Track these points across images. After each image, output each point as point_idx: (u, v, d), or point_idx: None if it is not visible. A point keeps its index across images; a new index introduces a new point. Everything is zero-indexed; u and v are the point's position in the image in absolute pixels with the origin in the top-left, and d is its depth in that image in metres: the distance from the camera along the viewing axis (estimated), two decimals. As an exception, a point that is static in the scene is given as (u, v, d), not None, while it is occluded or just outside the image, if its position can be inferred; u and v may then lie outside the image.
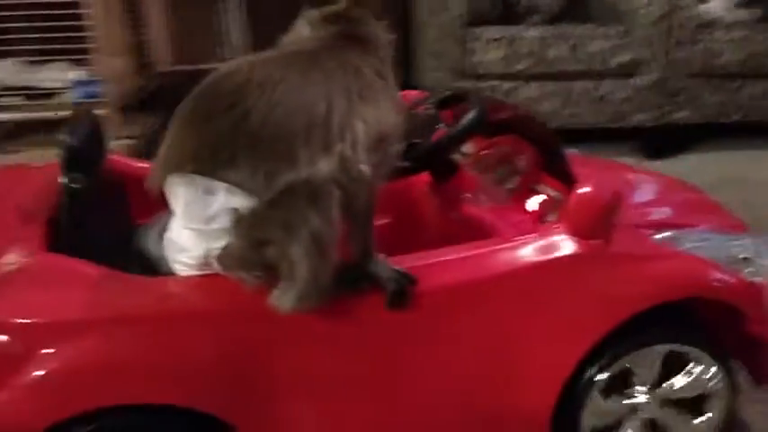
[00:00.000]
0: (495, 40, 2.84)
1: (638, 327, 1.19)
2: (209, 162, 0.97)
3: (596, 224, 1.11)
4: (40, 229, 1.09)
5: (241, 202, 0.97)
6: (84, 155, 1.12)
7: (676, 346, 1.24)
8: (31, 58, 2.75)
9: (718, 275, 1.21)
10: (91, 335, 0.96)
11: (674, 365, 1.26)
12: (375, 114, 1.05)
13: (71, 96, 2.78)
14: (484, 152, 1.46)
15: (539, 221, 1.29)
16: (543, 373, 1.16)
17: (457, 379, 1.15)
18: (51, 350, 0.94)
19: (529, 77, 2.87)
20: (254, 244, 0.97)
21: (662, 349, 1.23)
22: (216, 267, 1.01)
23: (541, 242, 1.14)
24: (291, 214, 0.96)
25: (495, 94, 2.85)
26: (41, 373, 0.94)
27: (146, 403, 0.99)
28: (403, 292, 1.05)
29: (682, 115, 2.94)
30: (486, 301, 1.13)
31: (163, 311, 1.01)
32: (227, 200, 0.97)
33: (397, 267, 1.08)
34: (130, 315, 0.99)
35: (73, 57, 2.79)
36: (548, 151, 1.34)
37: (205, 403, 1.01)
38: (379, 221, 1.46)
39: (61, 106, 2.75)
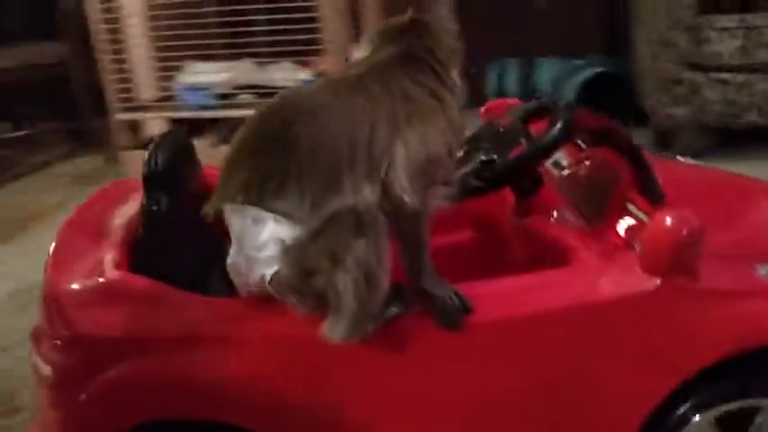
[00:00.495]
0: (731, 28, 2.62)
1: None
2: (257, 192, 1.00)
3: (673, 261, 1.01)
4: (121, 249, 1.12)
5: (288, 231, 0.99)
6: (167, 176, 1.13)
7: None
8: (264, 60, 2.93)
9: None
10: (146, 352, 1.01)
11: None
12: (422, 138, 1.03)
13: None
14: (574, 168, 1.35)
15: (626, 247, 1.14)
16: (617, 408, 1.08)
17: (523, 410, 1.09)
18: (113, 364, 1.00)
19: (769, 69, 2.62)
20: (301, 274, 0.98)
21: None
22: (272, 292, 1.02)
23: (614, 277, 1.06)
24: (336, 244, 0.96)
25: (727, 87, 2.64)
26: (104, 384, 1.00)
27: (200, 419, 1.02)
28: (454, 312, 1.02)
29: None
30: (550, 335, 1.05)
31: (214, 333, 1.03)
32: (275, 229, 0.99)
33: (453, 289, 1.04)
34: (180, 335, 1.02)
35: (300, 58, 2.95)
36: (636, 167, 1.22)
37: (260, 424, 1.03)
38: (459, 238, 1.47)
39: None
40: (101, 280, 1.05)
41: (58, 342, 1.03)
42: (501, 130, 1.34)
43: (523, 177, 1.28)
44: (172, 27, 2.88)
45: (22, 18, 3.71)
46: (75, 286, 1.06)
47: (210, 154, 2.82)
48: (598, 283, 1.07)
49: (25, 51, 3.47)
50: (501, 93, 3.67)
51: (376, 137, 1.02)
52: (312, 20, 2.68)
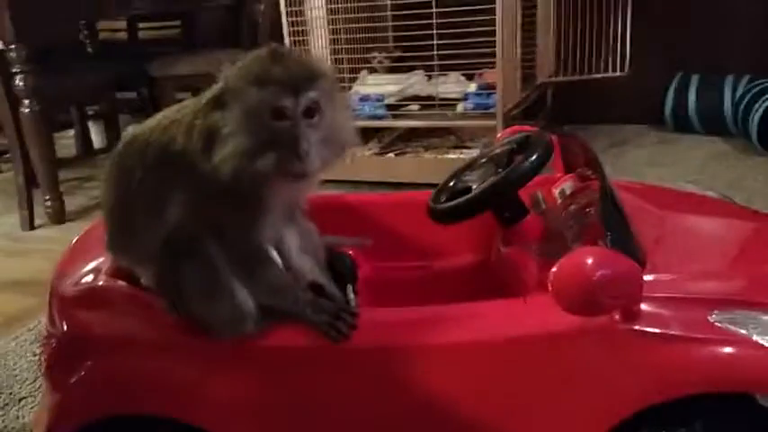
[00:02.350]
0: None
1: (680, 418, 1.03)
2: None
3: (583, 300, 0.93)
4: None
5: None
6: None
7: None
8: (434, 73, 3.03)
9: None
10: (120, 352, 1.10)
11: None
12: None
13: (462, 107, 3.00)
14: (570, 199, 1.28)
15: None
16: None
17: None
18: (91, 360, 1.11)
19: None
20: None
21: None
22: None
23: (539, 314, 1.01)
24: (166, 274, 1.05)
25: None
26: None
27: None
28: (335, 336, 1.04)
29: None
30: (472, 366, 1.04)
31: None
32: None
33: (335, 310, 1.05)
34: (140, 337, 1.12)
35: (468, 71, 3.01)
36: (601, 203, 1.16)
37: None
38: (454, 263, 1.48)
39: (457, 116, 3.00)
40: (90, 284, 1.19)
41: (53, 336, 1.19)
42: (485, 159, 1.37)
43: (503, 206, 1.28)
44: (352, 41, 3.07)
45: (211, 27, 4.11)
46: (68, 288, 1.20)
47: (375, 161, 3.02)
48: (522, 317, 1.06)
49: (220, 58, 3.82)
50: (680, 110, 3.49)
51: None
52: (487, 34, 2.73)
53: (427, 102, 3.03)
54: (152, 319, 1.12)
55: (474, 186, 1.31)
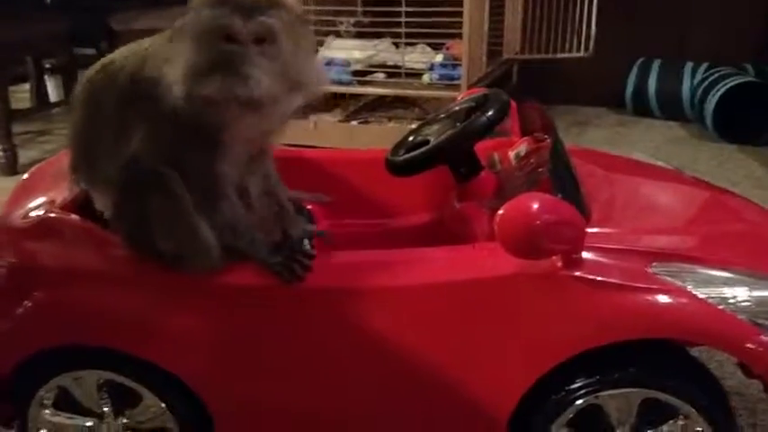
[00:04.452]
0: None
1: (616, 363, 1.08)
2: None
3: (527, 241, 0.98)
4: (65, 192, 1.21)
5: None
6: None
7: (655, 395, 1.08)
8: (401, 40, 3.02)
9: (711, 318, 1.03)
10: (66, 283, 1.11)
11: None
12: None
13: (428, 78, 3.00)
14: (524, 160, 1.33)
15: None
16: (485, 391, 1.09)
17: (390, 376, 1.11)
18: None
19: None
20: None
21: (635, 395, 1.08)
22: None
23: (485, 258, 1.06)
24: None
25: None
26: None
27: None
28: (288, 278, 1.05)
29: None
30: (421, 308, 1.07)
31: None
32: None
33: (288, 253, 1.07)
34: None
35: (435, 40, 3.00)
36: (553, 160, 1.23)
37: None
38: (412, 220, 1.51)
39: (421, 86, 3.00)
40: (40, 216, 1.17)
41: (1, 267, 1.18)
42: (444, 115, 1.41)
43: (459, 162, 1.31)
44: (320, 2, 3.03)
45: None
46: (17, 220, 1.19)
47: (338, 128, 3.00)
48: (468, 261, 1.10)
49: (178, 13, 3.70)
50: (640, 94, 3.55)
51: None
52: (456, 4, 2.73)
53: (393, 70, 3.03)
54: (103, 251, 1.11)
55: (431, 140, 1.33)
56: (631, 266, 1.06)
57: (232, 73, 0.94)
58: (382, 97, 3.19)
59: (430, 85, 2.97)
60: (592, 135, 3.33)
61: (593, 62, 3.33)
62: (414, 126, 2.93)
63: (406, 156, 1.32)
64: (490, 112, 1.26)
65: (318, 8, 3.02)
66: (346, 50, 3.04)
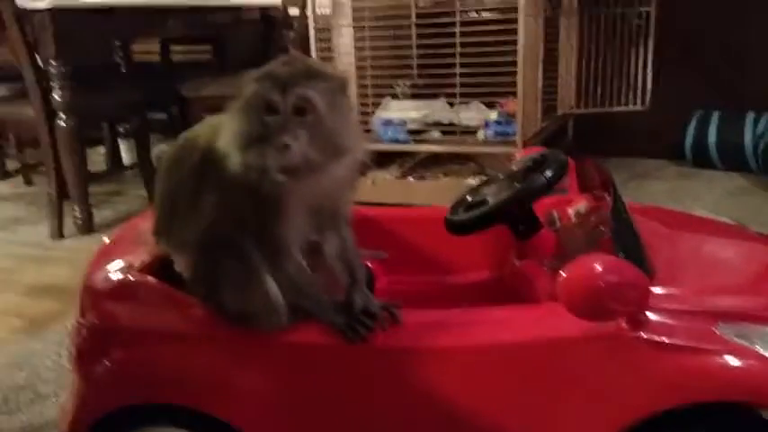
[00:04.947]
0: None
1: (684, 427, 1.04)
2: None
3: (591, 306, 0.97)
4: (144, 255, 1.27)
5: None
6: None
7: None
8: (456, 100, 3.09)
9: None
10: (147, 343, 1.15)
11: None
12: None
13: (483, 134, 3.05)
14: (585, 217, 1.34)
15: None
16: None
17: None
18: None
19: None
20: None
21: None
22: None
23: (549, 320, 1.04)
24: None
25: None
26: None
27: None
28: (350, 332, 1.08)
29: None
30: (481, 370, 1.07)
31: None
32: None
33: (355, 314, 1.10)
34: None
35: (489, 99, 3.07)
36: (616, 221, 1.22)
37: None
38: (471, 277, 1.52)
39: (477, 142, 3.05)
40: (120, 278, 1.23)
41: (82, 326, 1.23)
42: (502, 176, 1.43)
43: (518, 220, 1.33)
44: (377, 68, 3.15)
45: (241, 52, 4.22)
46: (99, 282, 1.25)
47: (396, 185, 3.07)
48: (533, 322, 1.09)
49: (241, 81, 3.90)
50: (700, 146, 3.51)
51: None
52: (509, 64, 2.79)
53: (449, 128, 3.09)
54: (180, 312, 1.17)
55: (489, 200, 1.37)
56: (698, 327, 1.05)
57: (271, 143, 1.01)
58: (438, 154, 3.26)
59: (485, 142, 3.02)
60: (652, 188, 3.30)
61: (650, 115, 3.33)
62: (470, 181, 3.02)
63: (465, 215, 1.35)
64: (548, 173, 1.28)
65: (376, 73, 3.15)
66: (403, 111, 3.13)
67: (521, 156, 1.55)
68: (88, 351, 1.22)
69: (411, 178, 3.17)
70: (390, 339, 1.11)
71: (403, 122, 3.08)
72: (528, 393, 1.08)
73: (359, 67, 3.19)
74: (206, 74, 3.69)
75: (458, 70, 2.91)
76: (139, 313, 1.20)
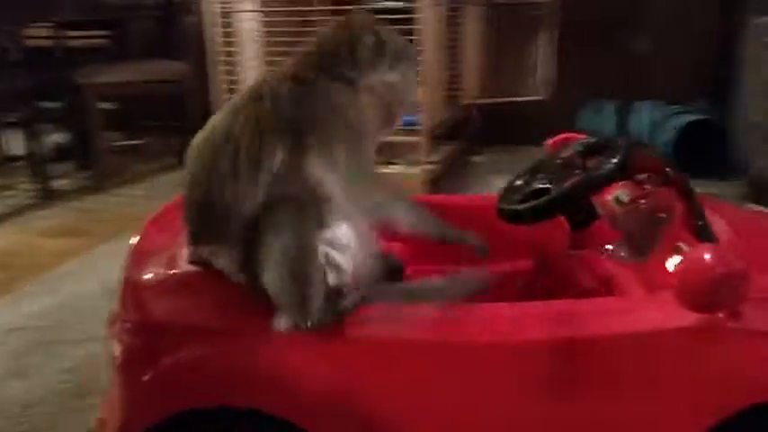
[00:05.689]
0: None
1: None
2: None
3: (709, 297, 0.99)
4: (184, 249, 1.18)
5: None
6: None
7: None
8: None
9: None
10: (206, 341, 1.06)
11: None
12: None
13: (391, 123, 3.05)
14: (633, 204, 1.34)
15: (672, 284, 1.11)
16: None
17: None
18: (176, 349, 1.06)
19: None
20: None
21: None
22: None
23: (655, 310, 1.05)
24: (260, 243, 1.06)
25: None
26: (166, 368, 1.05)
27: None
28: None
29: None
30: (584, 361, 1.06)
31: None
32: None
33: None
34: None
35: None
36: (690, 210, 1.21)
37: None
38: (516, 266, 1.48)
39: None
40: (172, 271, 1.16)
41: (129, 325, 1.13)
42: (558, 161, 1.36)
43: (578, 209, 1.28)
44: (283, 54, 3.09)
45: (141, 37, 4.07)
46: (148, 276, 1.17)
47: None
48: (638, 314, 1.09)
49: (149, 68, 3.77)
50: (594, 135, 3.65)
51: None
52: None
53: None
54: (240, 307, 1.08)
55: (551, 187, 1.29)
56: None
57: None
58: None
59: (395, 131, 3.02)
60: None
61: (551, 103, 3.43)
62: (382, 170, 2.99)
63: (529, 204, 1.26)
64: (616, 158, 1.21)
65: (282, 59, 3.08)
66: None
67: (555, 143, 1.51)
68: (137, 353, 1.11)
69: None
70: (487, 333, 1.06)
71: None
72: (625, 386, 1.07)
73: (265, 53, 3.13)
74: (104, 60, 3.53)
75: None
76: (196, 308, 1.10)
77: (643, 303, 1.12)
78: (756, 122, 2.67)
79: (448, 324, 1.06)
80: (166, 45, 3.84)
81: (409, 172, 2.95)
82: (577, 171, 1.29)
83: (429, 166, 3.03)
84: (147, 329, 1.12)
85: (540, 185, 1.29)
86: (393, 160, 3.18)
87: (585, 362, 1.06)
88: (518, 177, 1.38)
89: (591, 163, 1.28)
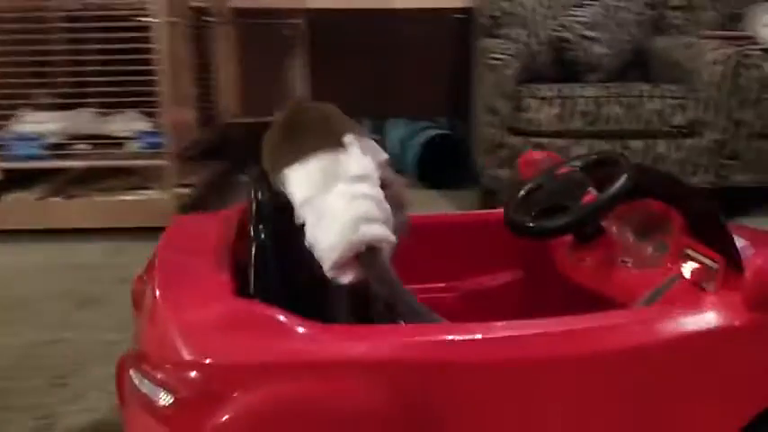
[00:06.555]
0: (549, 97, 2.82)
1: None
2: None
3: None
4: (227, 275, 1.10)
5: None
6: (271, 206, 1.18)
7: None
8: (104, 110, 2.92)
9: None
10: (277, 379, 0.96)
11: None
12: None
13: (135, 146, 2.91)
14: (627, 213, 1.40)
15: (696, 290, 1.21)
16: None
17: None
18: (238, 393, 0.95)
19: (582, 136, 2.83)
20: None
21: None
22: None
23: (713, 313, 1.12)
24: None
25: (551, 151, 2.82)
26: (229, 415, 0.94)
27: None
28: None
29: (741, 178, 2.84)
30: (646, 369, 1.09)
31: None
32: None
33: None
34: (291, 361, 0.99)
35: (143, 108, 2.94)
36: (701, 218, 1.28)
37: None
38: (512, 277, 1.54)
39: (127, 156, 2.90)
40: (225, 306, 1.02)
41: (178, 368, 0.97)
42: (561, 180, 1.39)
43: (589, 224, 1.35)
44: (5, 75, 2.82)
45: None
46: (197, 312, 1.02)
47: (36, 207, 2.79)
48: (691, 319, 1.11)
49: None
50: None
51: None
52: (149, 72, 2.69)
53: (99, 141, 2.89)
54: (306, 338, 0.98)
55: (569, 204, 1.31)
56: None
57: None
58: (98, 170, 3.03)
59: (136, 155, 2.89)
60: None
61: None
62: (127, 198, 2.83)
63: (553, 222, 1.29)
64: (626, 177, 1.26)
65: (10, 81, 2.81)
66: (40, 123, 2.85)
67: (525, 162, 1.52)
68: (198, 400, 0.95)
69: (60, 198, 2.90)
70: (534, 348, 1.04)
71: (40, 136, 2.80)
72: (678, 383, 1.09)
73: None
74: None
75: (98, 78, 2.73)
76: (256, 346, 0.97)
77: (691, 307, 1.15)
78: (483, 135, 2.90)
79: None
80: None
81: (157, 198, 2.83)
82: (588, 189, 1.34)
83: (182, 190, 2.92)
84: (205, 371, 0.97)
85: (554, 202, 1.34)
86: (142, 185, 3.04)
87: (654, 368, 1.08)
88: (523, 193, 1.40)
89: (597, 179, 1.33)
